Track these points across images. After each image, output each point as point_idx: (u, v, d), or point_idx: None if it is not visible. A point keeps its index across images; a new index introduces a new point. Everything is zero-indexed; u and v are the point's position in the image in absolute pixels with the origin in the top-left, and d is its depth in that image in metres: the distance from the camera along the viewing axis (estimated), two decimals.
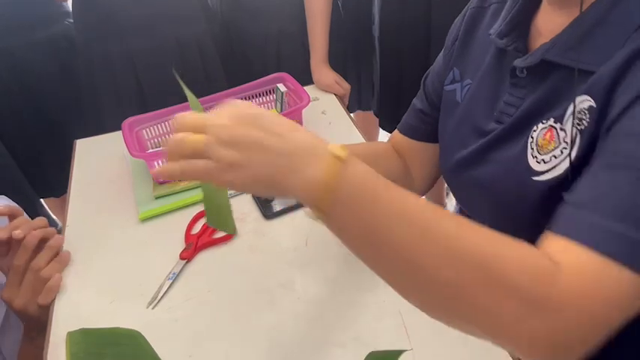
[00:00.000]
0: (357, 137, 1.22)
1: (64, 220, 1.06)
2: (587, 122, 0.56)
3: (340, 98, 1.41)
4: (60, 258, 0.91)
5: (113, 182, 1.14)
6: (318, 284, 0.86)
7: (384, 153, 0.92)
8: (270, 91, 1.27)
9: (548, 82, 0.64)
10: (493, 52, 0.73)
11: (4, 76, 1.56)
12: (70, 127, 1.65)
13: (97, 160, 1.22)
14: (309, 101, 1.15)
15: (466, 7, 0.82)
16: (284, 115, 1.16)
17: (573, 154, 0.58)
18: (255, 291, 0.86)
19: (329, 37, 1.46)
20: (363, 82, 1.77)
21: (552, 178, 0.61)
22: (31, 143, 1.67)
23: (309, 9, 1.45)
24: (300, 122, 1.19)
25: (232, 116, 0.47)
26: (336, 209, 0.45)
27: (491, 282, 0.44)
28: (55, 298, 0.87)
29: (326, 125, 1.28)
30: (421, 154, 0.90)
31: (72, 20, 1.64)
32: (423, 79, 0.90)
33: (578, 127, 0.57)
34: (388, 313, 0.79)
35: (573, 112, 0.58)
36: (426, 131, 0.88)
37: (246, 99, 1.26)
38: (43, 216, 1.32)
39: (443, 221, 0.45)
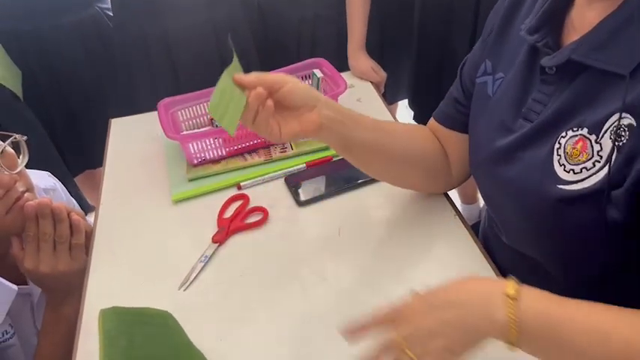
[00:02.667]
0: None
1: (97, 200, 1.06)
2: (627, 139, 0.55)
3: (376, 86, 1.39)
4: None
5: (147, 163, 1.14)
6: (350, 274, 0.84)
7: (426, 134, 0.90)
8: (306, 76, 1.26)
9: (577, 83, 0.62)
10: (527, 46, 0.71)
11: (32, 58, 1.57)
12: (100, 107, 1.66)
13: (131, 140, 1.22)
14: (345, 87, 1.13)
15: None
16: None
17: (606, 170, 0.57)
18: (286, 278, 0.85)
19: (367, 21, 1.44)
20: (402, 71, 1.74)
21: (581, 189, 0.60)
22: (60, 123, 1.69)
23: None
24: None
25: (413, 317, 0.58)
26: (522, 341, 0.53)
27: None
28: (87, 275, 0.88)
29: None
30: (456, 143, 0.88)
31: (103, 5, 1.64)
32: (460, 67, 0.88)
33: (617, 143, 0.56)
34: None
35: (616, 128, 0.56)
36: (462, 121, 0.86)
37: None
38: (77, 196, 1.34)
39: (618, 333, 0.50)
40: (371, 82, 1.39)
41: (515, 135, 0.70)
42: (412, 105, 1.75)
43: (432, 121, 0.92)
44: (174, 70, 1.53)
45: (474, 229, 0.94)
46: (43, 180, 1.11)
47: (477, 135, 0.81)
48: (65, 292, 0.90)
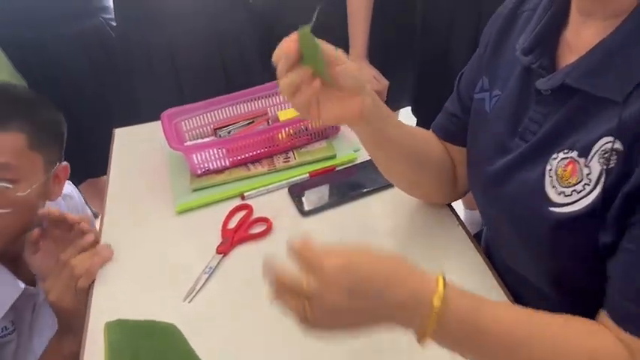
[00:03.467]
0: None
1: (102, 210, 1.07)
2: (615, 163, 0.54)
3: (378, 94, 1.39)
4: (96, 251, 0.93)
5: (151, 173, 1.14)
6: None
7: (439, 143, 0.91)
8: None
9: (569, 106, 0.61)
10: (521, 65, 0.70)
11: (34, 67, 1.58)
12: (103, 116, 1.67)
13: (136, 150, 1.23)
14: None
15: (499, 9, 0.78)
16: None
17: (596, 193, 0.57)
18: None
19: (369, 30, 1.44)
20: (403, 79, 1.74)
21: (572, 212, 0.59)
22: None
23: (351, 3, 1.43)
24: None
25: (328, 287, 0.53)
26: (437, 341, 0.56)
27: None
28: (92, 287, 0.89)
29: None
30: (457, 157, 0.88)
31: (107, 16, 1.65)
32: (457, 79, 0.87)
33: (605, 167, 0.55)
34: None
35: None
36: (459, 135, 0.85)
37: None
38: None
39: (529, 345, 0.56)
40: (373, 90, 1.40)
41: (512, 155, 0.69)
42: (415, 113, 1.75)
43: (430, 133, 0.92)
44: (177, 80, 1.54)
45: (477, 237, 0.94)
46: None
47: (475, 152, 0.80)
48: (64, 327, 0.92)
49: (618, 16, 0.56)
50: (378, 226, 0.95)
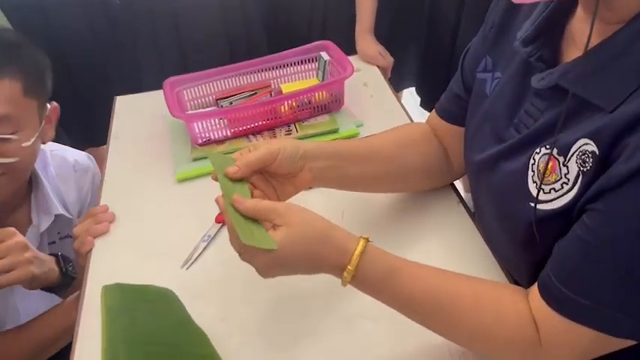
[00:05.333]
0: (398, 111, 1.19)
1: (101, 177, 1.06)
2: (590, 166, 0.54)
3: (383, 71, 1.38)
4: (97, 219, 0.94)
5: (151, 141, 1.14)
6: None
7: (420, 137, 0.89)
8: (312, 59, 1.25)
9: (563, 104, 0.59)
10: (520, 56, 0.68)
11: (38, 33, 1.56)
12: (105, 84, 1.65)
13: (136, 118, 1.22)
14: (352, 71, 1.12)
15: None
16: (326, 84, 1.13)
17: (573, 193, 0.56)
18: None
19: (376, 6, 1.43)
20: (408, 58, 1.72)
21: (549, 210, 0.59)
22: (64, 98, 1.68)
23: None
24: (342, 93, 1.17)
25: (260, 265, 0.64)
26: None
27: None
28: (90, 253, 0.89)
29: (367, 98, 1.25)
30: (458, 137, 0.85)
31: None
32: (462, 57, 0.84)
33: (582, 168, 0.55)
34: None
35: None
36: (463, 116, 0.83)
37: (287, 66, 1.23)
38: None
39: (438, 311, 0.63)
40: (378, 66, 1.38)
41: (503, 145, 0.68)
42: (419, 91, 1.74)
43: (434, 114, 0.91)
44: (181, 49, 1.52)
45: None
46: (80, 157, 1.17)
47: (469, 138, 0.79)
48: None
49: (619, 23, 0.54)
50: (378, 202, 0.94)
